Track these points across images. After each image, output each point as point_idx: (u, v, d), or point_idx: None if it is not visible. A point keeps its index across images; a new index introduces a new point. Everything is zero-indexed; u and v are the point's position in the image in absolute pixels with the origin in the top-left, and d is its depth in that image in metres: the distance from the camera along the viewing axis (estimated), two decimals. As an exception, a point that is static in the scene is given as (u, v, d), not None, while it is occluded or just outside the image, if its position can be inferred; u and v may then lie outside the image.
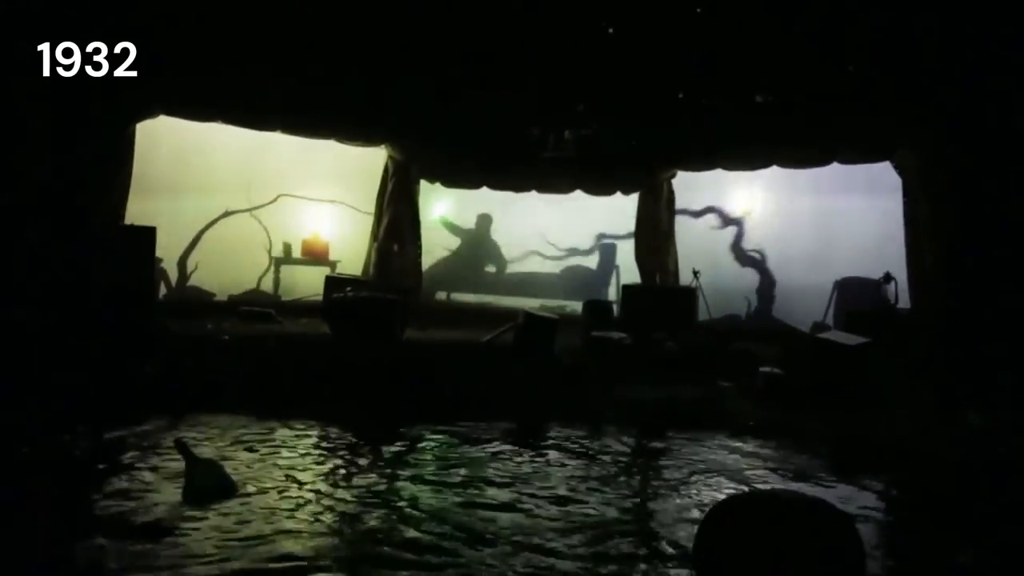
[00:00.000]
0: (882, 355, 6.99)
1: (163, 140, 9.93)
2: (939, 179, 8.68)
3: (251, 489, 4.18)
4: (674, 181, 10.73)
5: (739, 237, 12.21)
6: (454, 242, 12.77)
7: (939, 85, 8.46)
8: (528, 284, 12.44)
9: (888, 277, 8.62)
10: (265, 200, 11.39)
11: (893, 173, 9.36)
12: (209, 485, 4.04)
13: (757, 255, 12.06)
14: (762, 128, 9.75)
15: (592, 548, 3.58)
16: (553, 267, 12.92)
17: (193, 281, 11.04)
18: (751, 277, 12.04)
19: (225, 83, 8.97)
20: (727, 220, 12.20)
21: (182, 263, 10.99)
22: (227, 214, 11.21)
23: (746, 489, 4.65)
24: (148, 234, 7.97)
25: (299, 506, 3.97)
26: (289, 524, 3.71)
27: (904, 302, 8.82)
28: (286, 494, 4.16)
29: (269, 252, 11.24)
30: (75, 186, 8.02)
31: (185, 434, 5.06)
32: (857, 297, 9.86)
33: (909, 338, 7.67)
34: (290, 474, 4.52)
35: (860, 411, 6.27)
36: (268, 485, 4.28)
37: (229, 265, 11.06)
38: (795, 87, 9.53)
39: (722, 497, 4.06)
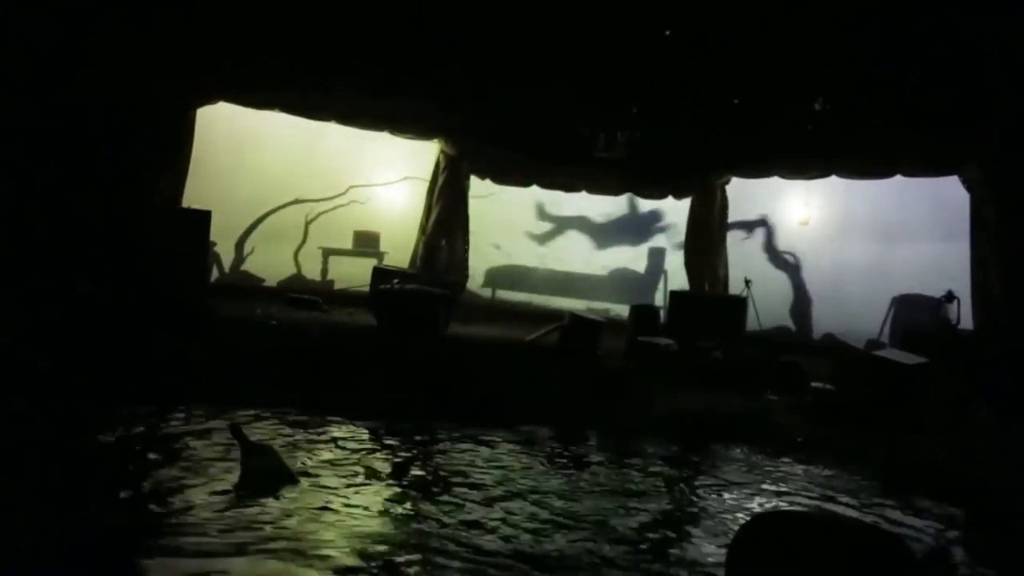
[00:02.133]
0: (941, 376, 6.72)
1: (222, 127, 10.15)
2: (1008, 194, 8.33)
3: (302, 480, 4.18)
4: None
5: (770, 236, 11.94)
6: (503, 239, 12.73)
7: (1009, 96, 8.11)
8: (575, 285, 12.36)
9: (951, 296, 8.29)
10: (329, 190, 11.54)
11: (959, 186, 9.02)
12: (266, 471, 4.03)
13: (790, 258, 11.75)
14: (821, 136, 9.50)
15: (623, 562, 3.51)
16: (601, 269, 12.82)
17: (245, 266, 11.25)
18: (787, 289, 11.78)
19: (283, 72, 9.10)
20: (749, 224, 11.92)
21: (240, 245, 11.19)
22: (296, 202, 11.39)
23: (786, 506, 4.51)
24: (203, 218, 8.13)
25: (346, 501, 3.96)
26: (338, 518, 3.70)
27: (966, 323, 8.48)
28: (334, 487, 4.15)
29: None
30: (134, 169, 8.23)
31: (238, 419, 5.12)
32: (915, 315, 9.52)
33: (971, 360, 7.36)
34: (337, 466, 4.53)
35: (915, 433, 6.03)
36: (317, 476, 4.29)
37: (281, 251, 11.28)
38: (856, 96, 9.26)
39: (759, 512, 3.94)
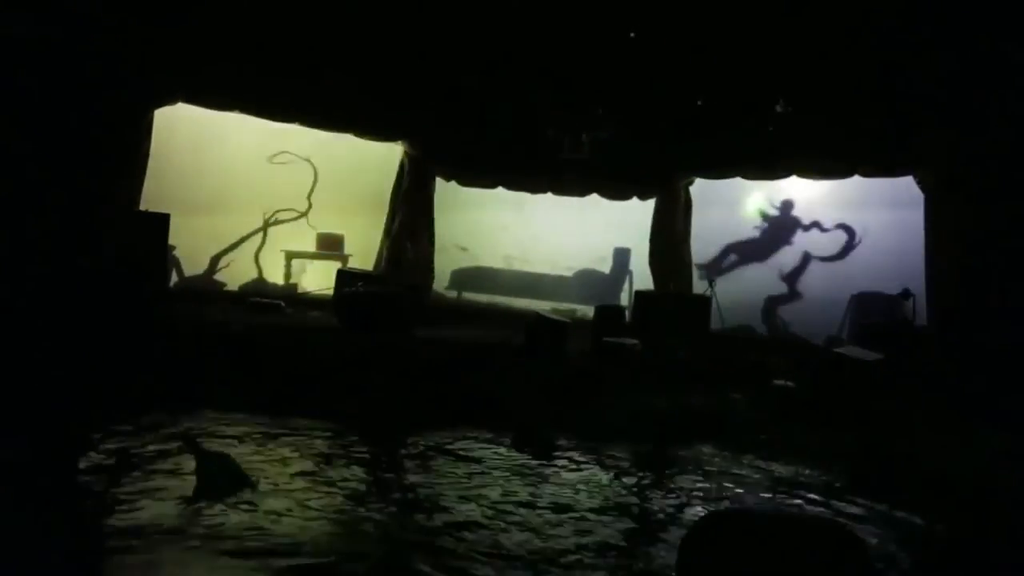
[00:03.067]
0: (898, 372, 6.86)
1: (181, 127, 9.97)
2: (961, 195, 8.54)
3: (262, 486, 4.12)
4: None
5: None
6: (470, 241, 12.68)
7: (963, 100, 8.33)
8: (540, 286, 12.37)
9: (907, 293, 8.47)
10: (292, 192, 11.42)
11: (915, 187, 9.23)
12: (221, 479, 3.96)
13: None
14: (783, 138, 9.65)
15: (582, 560, 3.53)
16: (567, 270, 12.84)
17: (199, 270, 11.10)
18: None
19: (245, 73, 8.97)
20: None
21: (215, 260, 11.07)
22: (277, 222, 11.30)
23: (746, 505, 4.56)
24: (162, 221, 7.97)
25: (308, 506, 3.92)
26: (299, 523, 3.67)
27: (923, 319, 8.67)
28: (296, 492, 4.10)
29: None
30: (91, 170, 8.02)
31: (193, 427, 5.03)
32: (873, 312, 9.71)
33: (927, 356, 7.53)
34: (299, 471, 4.48)
35: (874, 428, 6.14)
36: (278, 482, 4.23)
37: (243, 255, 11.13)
38: (817, 98, 9.43)
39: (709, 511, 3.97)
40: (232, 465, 4.12)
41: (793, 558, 2.22)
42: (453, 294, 12.31)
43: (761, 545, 2.25)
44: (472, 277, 12.48)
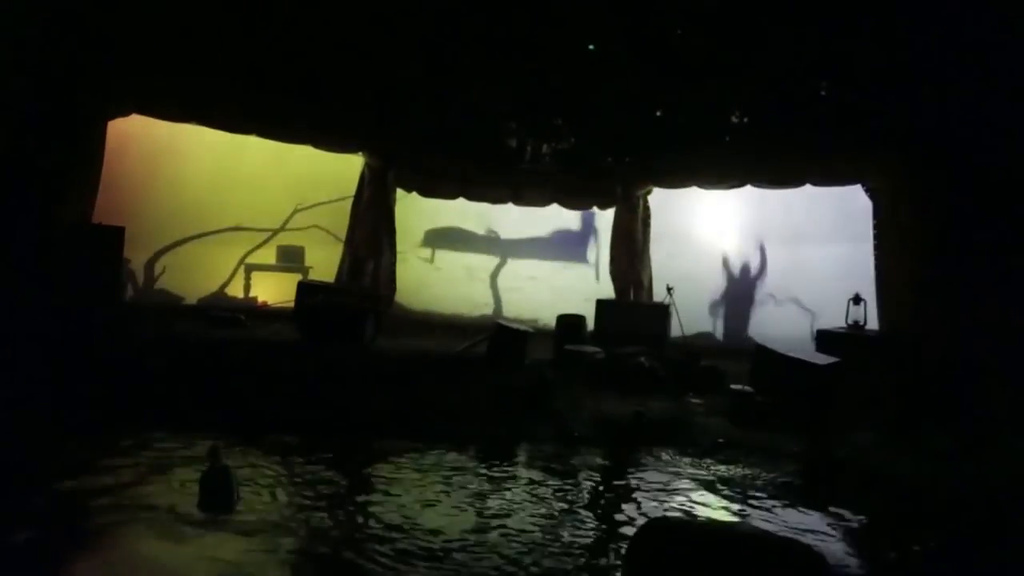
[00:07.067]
0: (851, 375, 7.04)
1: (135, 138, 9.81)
2: (908, 202, 8.83)
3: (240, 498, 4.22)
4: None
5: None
6: (432, 253, 12.67)
7: (910, 111, 8.62)
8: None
9: (857, 298, 8.70)
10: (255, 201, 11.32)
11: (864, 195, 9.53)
12: (222, 493, 4.13)
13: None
14: (737, 148, 9.86)
15: (533, 567, 3.58)
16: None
17: (160, 284, 10.88)
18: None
19: (201, 84, 8.87)
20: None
21: (149, 266, 10.83)
22: (236, 229, 11.20)
23: (698, 512, 4.63)
24: (116, 234, 7.83)
25: (283, 521, 4.00)
26: (275, 542, 3.74)
27: (873, 323, 8.92)
28: (267, 509, 4.17)
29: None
30: (43, 183, 7.86)
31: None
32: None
33: (877, 359, 7.74)
34: (268, 489, 4.51)
35: (828, 431, 6.30)
36: (251, 499, 4.29)
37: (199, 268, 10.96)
38: (770, 109, 9.66)
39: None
40: (228, 480, 4.24)
41: (733, 569, 2.27)
42: (416, 305, 12.26)
43: (698, 555, 2.29)
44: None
